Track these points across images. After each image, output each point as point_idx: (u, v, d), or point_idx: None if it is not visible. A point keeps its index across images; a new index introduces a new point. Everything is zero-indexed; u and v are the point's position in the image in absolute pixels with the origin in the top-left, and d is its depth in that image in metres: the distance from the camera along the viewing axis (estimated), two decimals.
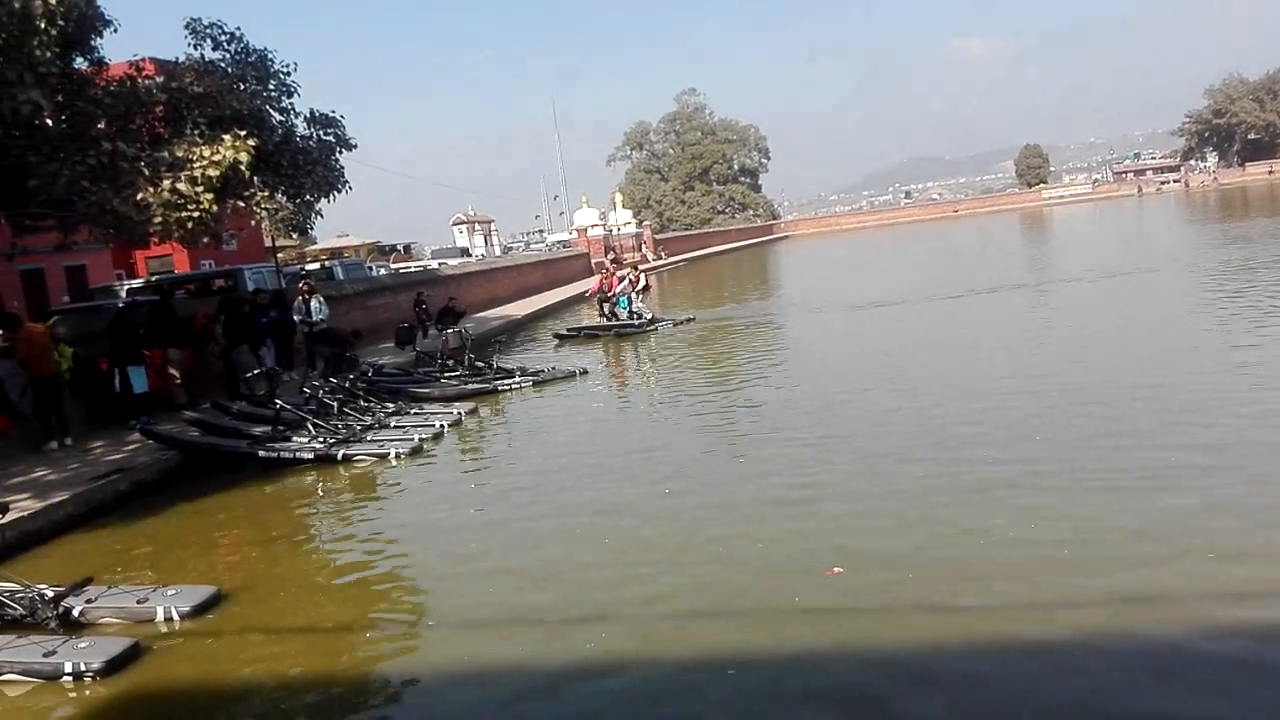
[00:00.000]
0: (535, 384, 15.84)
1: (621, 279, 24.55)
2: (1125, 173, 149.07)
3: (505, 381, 15.98)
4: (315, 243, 61.95)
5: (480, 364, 16.95)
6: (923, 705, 4.88)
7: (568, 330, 23.99)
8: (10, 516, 9.05)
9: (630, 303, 23.70)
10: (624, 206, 73.57)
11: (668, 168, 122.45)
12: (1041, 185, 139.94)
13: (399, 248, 58.82)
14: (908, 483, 8.44)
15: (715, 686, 5.30)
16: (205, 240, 14.54)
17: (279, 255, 47.00)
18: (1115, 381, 11.68)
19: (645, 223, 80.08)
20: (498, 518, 8.86)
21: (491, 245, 66.64)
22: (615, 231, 64.49)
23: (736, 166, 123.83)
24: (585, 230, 59.48)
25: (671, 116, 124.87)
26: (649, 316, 23.29)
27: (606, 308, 24.26)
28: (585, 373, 16.59)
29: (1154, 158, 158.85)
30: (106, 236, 15.93)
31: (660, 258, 67.05)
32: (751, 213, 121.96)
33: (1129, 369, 12.41)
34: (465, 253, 54.13)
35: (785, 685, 5.23)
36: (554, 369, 16.78)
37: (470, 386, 15.77)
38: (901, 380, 13.32)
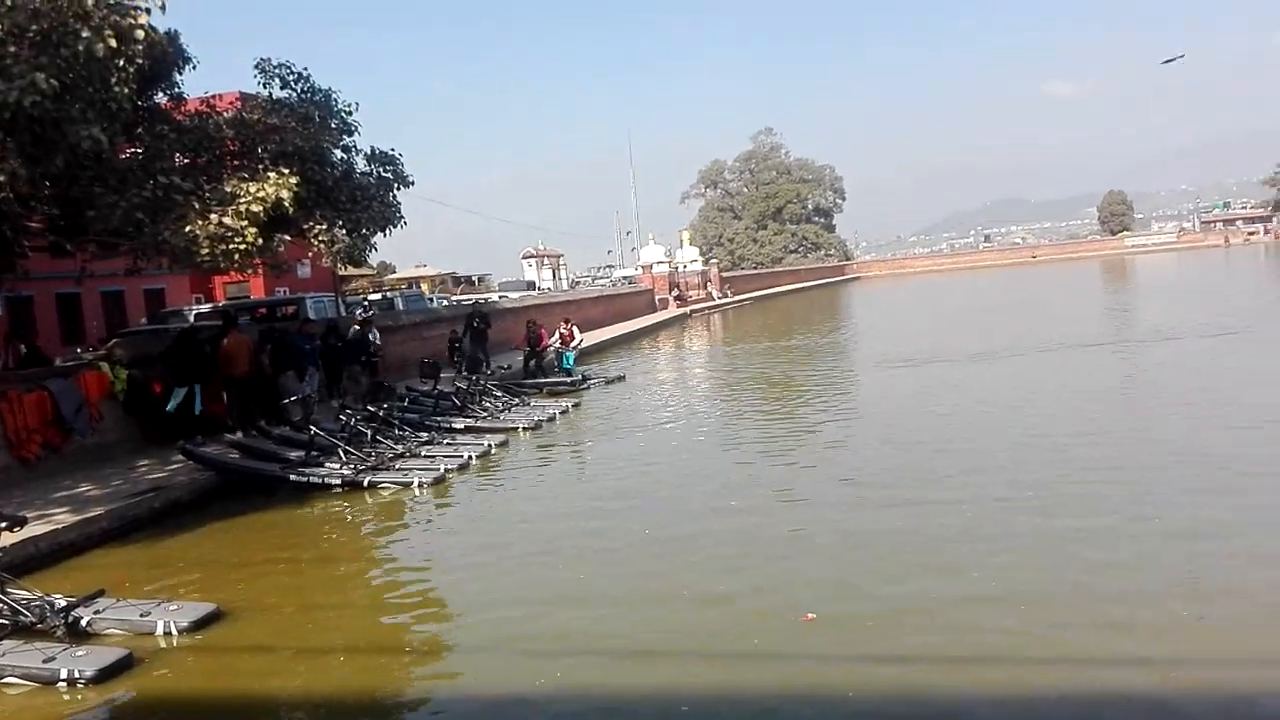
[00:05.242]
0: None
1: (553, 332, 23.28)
2: (1213, 222, 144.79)
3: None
4: (394, 271, 63.82)
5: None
6: None
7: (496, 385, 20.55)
8: (46, 528, 9.62)
9: (573, 359, 22.80)
10: (692, 244, 74.05)
11: (741, 206, 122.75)
12: (1125, 233, 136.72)
13: (473, 279, 60.04)
14: (898, 535, 8.51)
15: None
16: (259, 268, 15.14)
17: (354, 284, 48.61)
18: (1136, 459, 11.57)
19: (713, 260, 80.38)
20: (499, 551, 9.11)
21: (559, 279, 67.60)
22: (681, 269, 64.92)
23: (811, 206, 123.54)
24: (650, 267, 60.01)
25: (747, 155, 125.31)
26: (580, 374, 22.21)
27: (533, 363, 22.62)
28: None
29: (1245, 207, 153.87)
30: (169, 263, 16.72)
31: (726, 295, 67.21)
32: (824, 253, 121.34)
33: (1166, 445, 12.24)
34: (532, 286, 55.00)
35: None
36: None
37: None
38: (906, 438, 13.32)
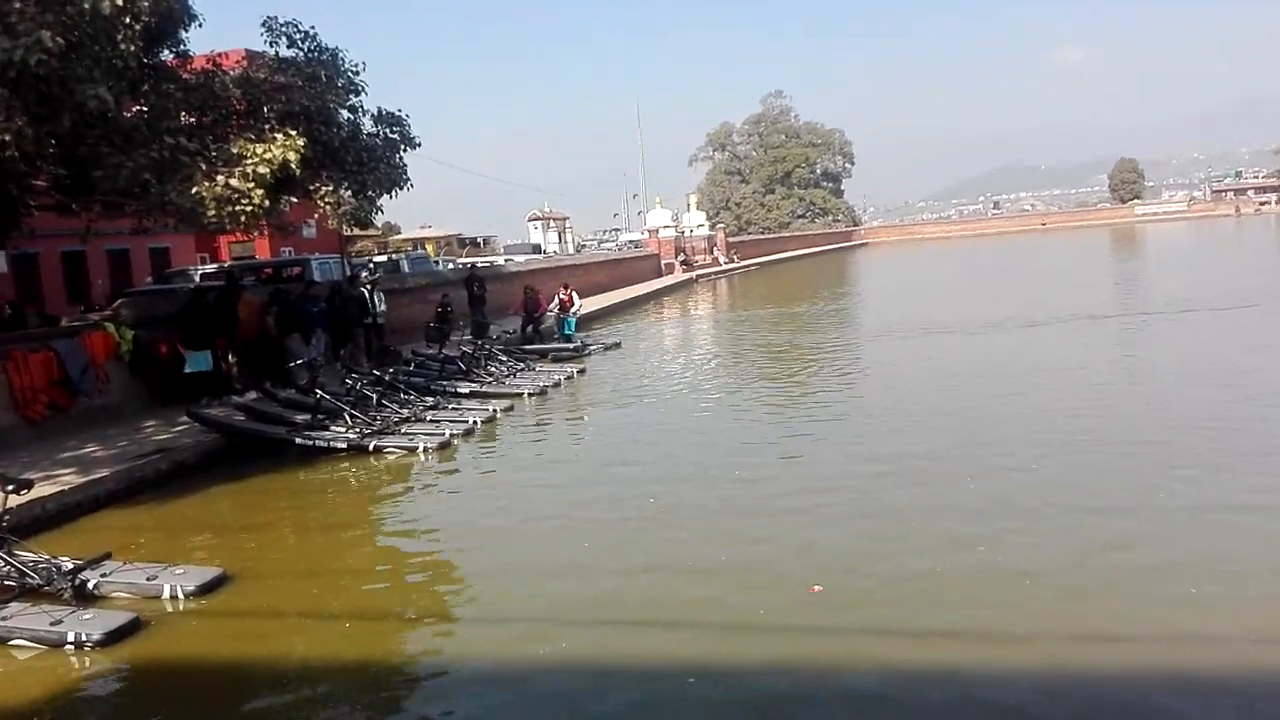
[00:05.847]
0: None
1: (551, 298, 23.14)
2: (1224, 191, 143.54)
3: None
4: (399, 232, 63.51)
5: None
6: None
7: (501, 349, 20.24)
8: (53, 490, 9.65)
9: (574, 325, 22.75)
10: (699, 208, 73.67)
11: (749, 170, 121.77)
12: (1135, 201, 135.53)
13: (479, 241, 59.72)
14: (903, 506, 8.48)
15: (671, 693, 5.49)
16: (265, 230, 15.09)
17: (359, 245, 48.43)
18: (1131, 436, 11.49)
19: (719, 225, 79.87)
20: (504, 517, 9.13)
21: (565, 242, 67.15)
22: (687, 233, 64.57)
23: (819, 170, 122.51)
24: (656, 231, 59.68)
25: (756, 118, 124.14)
26: (579, 340, 22.23)
27: (531, 329, 22.54)
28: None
29: (1256, 176, 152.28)
30: (175, 223, 16.66)
31: (732, 260, 66.92)
32: (832, 218, 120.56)
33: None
34: (537, 249, 54.63)
35: (737, 696, 5.39)
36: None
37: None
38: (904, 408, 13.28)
